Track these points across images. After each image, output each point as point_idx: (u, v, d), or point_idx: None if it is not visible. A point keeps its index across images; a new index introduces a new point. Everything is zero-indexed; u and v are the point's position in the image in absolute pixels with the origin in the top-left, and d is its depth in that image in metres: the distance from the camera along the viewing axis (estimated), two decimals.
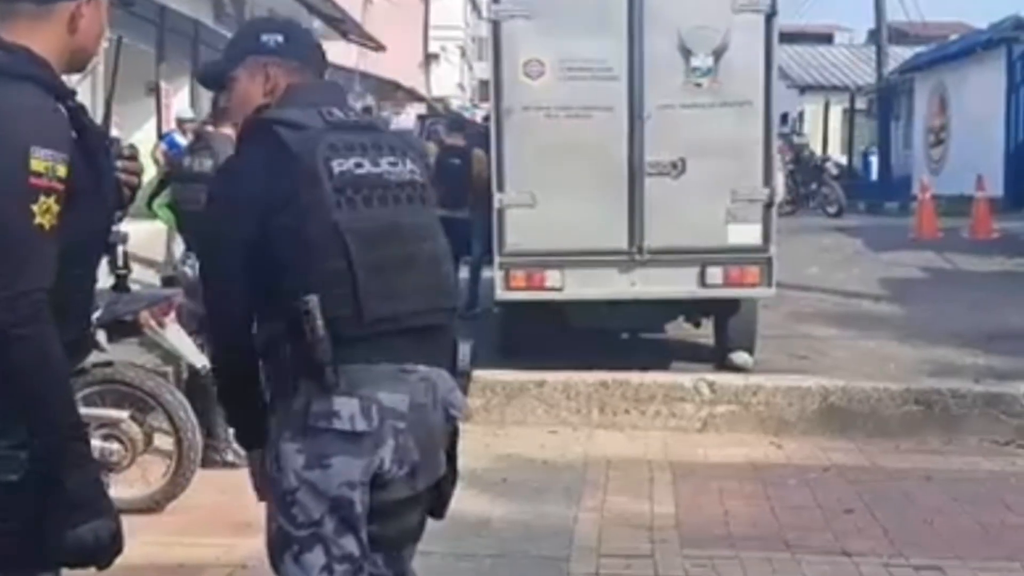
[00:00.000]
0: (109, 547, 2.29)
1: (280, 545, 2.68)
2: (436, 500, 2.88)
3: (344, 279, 2.62)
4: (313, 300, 2.57)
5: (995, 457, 6.71)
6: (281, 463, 2.67)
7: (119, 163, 2.57)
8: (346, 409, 2.62)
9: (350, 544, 2.65)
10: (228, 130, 6.56)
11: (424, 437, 2.72)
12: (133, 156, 2.67)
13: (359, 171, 2.69)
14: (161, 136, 17.35)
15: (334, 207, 2.63)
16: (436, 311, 2.79)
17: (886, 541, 5.18)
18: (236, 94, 2.91)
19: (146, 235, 8.67)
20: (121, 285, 5.18)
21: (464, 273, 10.70)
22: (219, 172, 2.85)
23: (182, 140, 16.18)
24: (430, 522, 2.95)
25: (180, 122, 16.95)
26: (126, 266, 5.17)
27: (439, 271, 2.82)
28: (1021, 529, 5.38)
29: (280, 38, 2.88)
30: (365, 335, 2.63)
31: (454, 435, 2.88)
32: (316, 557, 2.63)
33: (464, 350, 2.87)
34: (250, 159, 2.73)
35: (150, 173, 14.18)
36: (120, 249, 5.00)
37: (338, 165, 2.66)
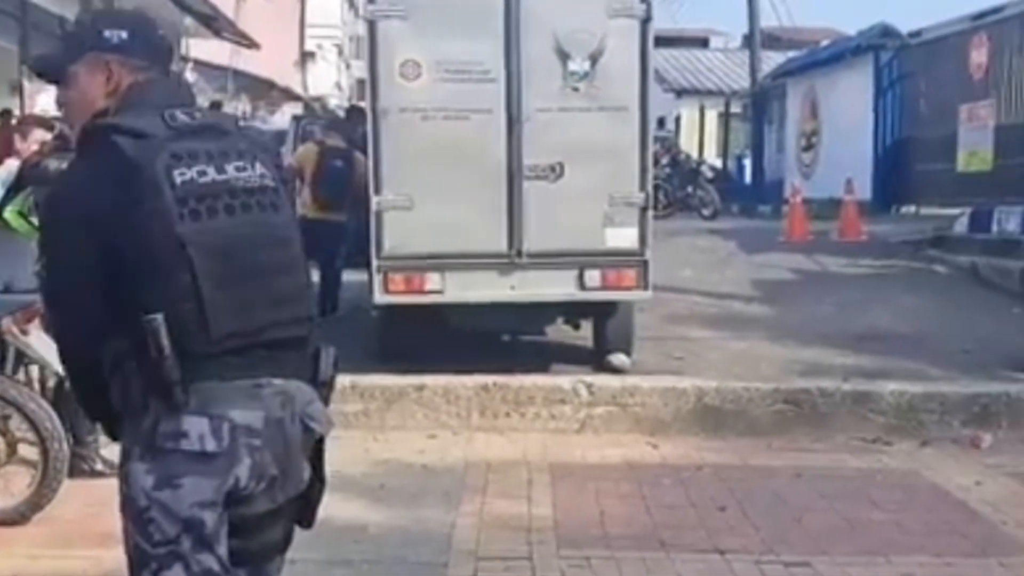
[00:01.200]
0: None
1: (138, 563, 2.62)
2: (304, 510, 2.82)
3: (190, 294, 2.53)
4: (158, 319, 2.49)
5: (862, 454, 6.91)
6: (131, 482, 2.61)
7: None
8: (195, 429, 2.55)
9: (209, 560, 2.59)
10: None
11: (282, 452, 2.66)
12: None
13: (203, 179, 2.58)
14: None
15: (177, 219, 2.53)
16: (292, 322, 2.70)
17: (758, 539, 5.29)
18: (76, 91, 2.76)
19: None
20: None
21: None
22: (58, 184, 2.73)
23: None
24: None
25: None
26: None
27: (293, 280, 2.73)
28: (886, 525, 5.54)
29: (124, 34, 2.73)
30: (215, 352, 2.56)
31: (319, 444, 2.81)
32: (175, 575, 2.57)
33: (326, 359, 2.79)
34: (88, 171, 2.62)
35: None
36: None
37: (180, 175, 2.55)
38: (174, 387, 2.52)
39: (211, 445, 2.56)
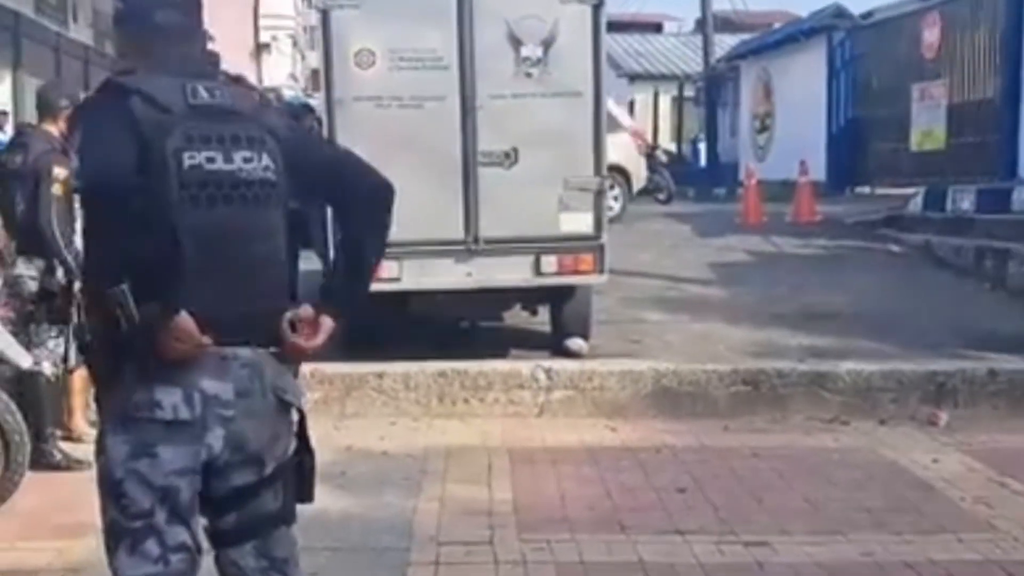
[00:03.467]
0: None
1: (115, 537, 2.67)
2: (300, 485, 2.87)
3: (173, 280, 2.56)
4: (123, 290, 2.51)
5: (819, 434, 6.96)
6: (108, 454, 2.65)
7: None
8: (168, 398, 2.61)
9: (182, 534, 2.66)
10: (50, 126, 6.38)
11: (258, 423, 2.72)
12: None
13: (210, 167, 2.61)
14: None
15: (176, 203, 2.56)
16: (263, 315, 2.74)
17: (717, 519, 5.32)
18: (120, 49, 2.87)
19: None
20: None
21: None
22: (74, 120, 2.72)
23: None
24: None
25: None
26: None
27: (274, 274, 2.77)
28: (845, 503, 5.58)
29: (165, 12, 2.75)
30: None
31: (301, 417, 2.87)
32: (151, 548, 2.63)
33: (284, 323, 2.79)
34: (101, 120, 2.63)
35: None
36: None
37: (189, 158, 2.59)
38: (146, 359, 2.56)
39: (184, 413, 2.61)
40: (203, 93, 2.66)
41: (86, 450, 5.36)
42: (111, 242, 2.56)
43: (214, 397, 2.64)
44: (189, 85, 2.65)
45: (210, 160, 2.62)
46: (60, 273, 6.15)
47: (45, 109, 6.45)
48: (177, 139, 2.58)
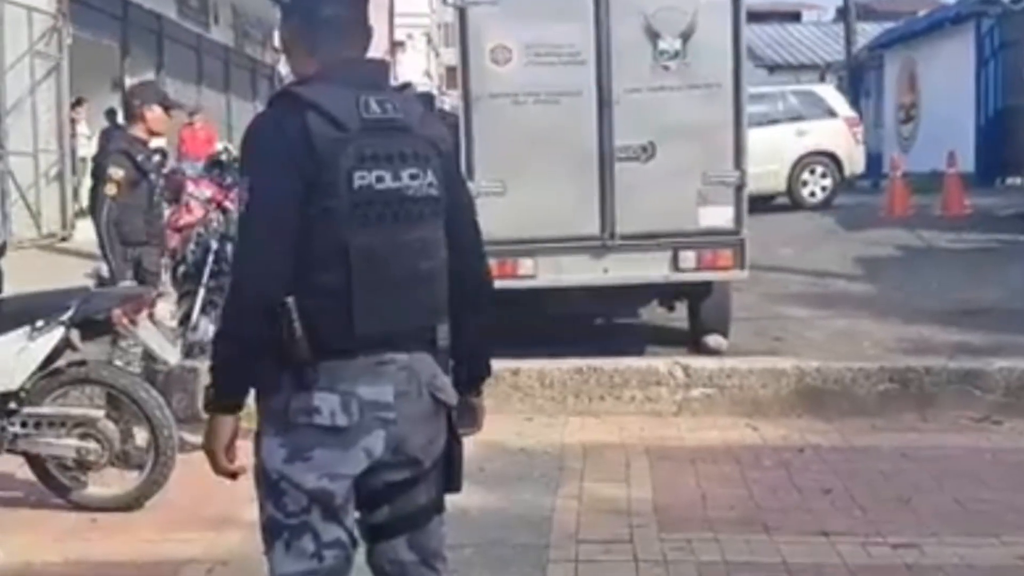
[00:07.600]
0: None
1: (272, 532, 2.73)
2: (449, 474, 2.90)
3: (341, 295, 2.60)
4: (290, 303, 2.58)
5: (970, 433, 6.74)
6: (264, 456, 2.71)
7: None
8: (326, 405, 2.64)
9: (337, 531, 2.71)
10: (133, 128, 6.54)
11: (417, 423, 2.74)
12: None
13: (379, 186, 2.64)
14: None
15: (346, 221, 2.60)
16: (424, 328, 2.79)
17: (864, 520, 5.18)
18: (284, 45, 2.87)
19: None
20: None
21: None
22: (248, 134, 2.72)
23: None
24: None
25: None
26: None
27: (434, 290, 2.78)
28: (997, 504, 5.38)
29: (331, 8, 2.76)
30: (351, 348, 2.64)
31: (448, 413, 2.89)
32: (306, 544, 2.69)
33: (443, 329, 2.85)
34: (276, 129, 2.64)
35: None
36: None
37: (360, 178, 2.61)
38: (305, 366, 2.62)
39: (342, 420, 2.65)
40: (375, 107, 2.66)
41: None
42: (276, 256, 2.59)
43: (372, 403, 2.66)
44: (363, 98, 2.65)
45: (379, 179, 2.63)
46: (104, 270, 6.31)
47: (126, 110, 6.65)
48: (350, 158, 2.60)
